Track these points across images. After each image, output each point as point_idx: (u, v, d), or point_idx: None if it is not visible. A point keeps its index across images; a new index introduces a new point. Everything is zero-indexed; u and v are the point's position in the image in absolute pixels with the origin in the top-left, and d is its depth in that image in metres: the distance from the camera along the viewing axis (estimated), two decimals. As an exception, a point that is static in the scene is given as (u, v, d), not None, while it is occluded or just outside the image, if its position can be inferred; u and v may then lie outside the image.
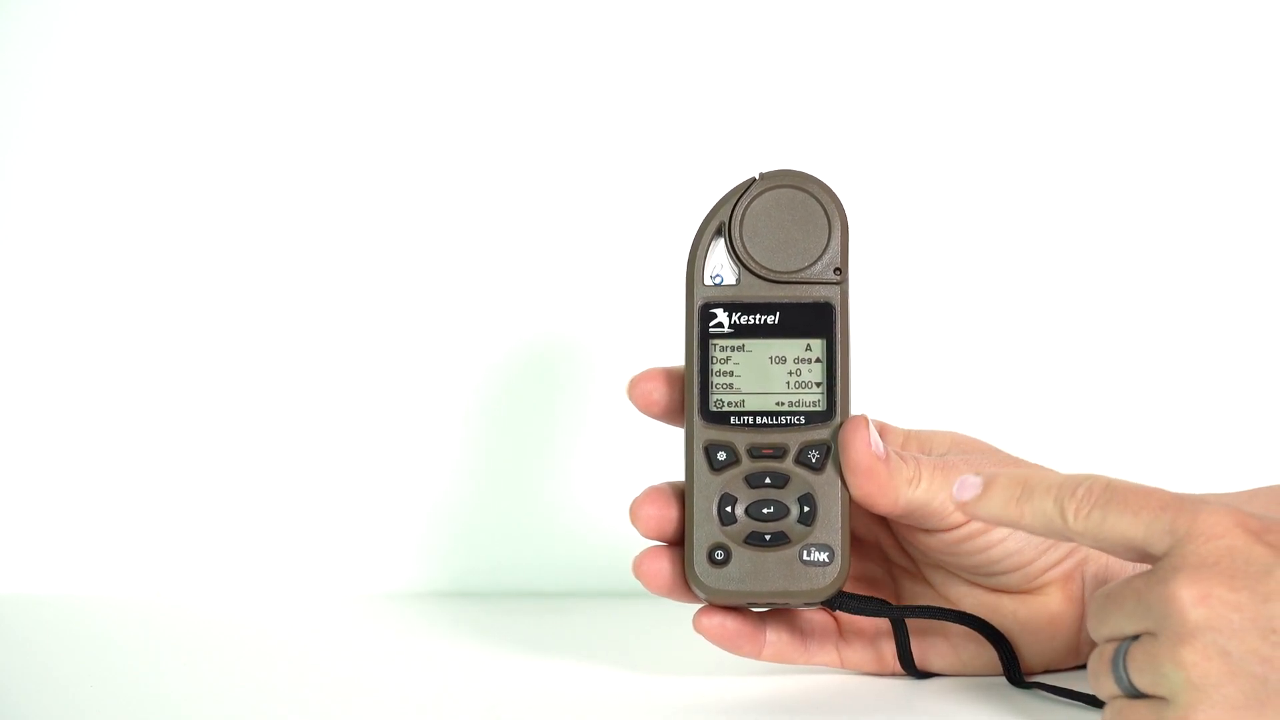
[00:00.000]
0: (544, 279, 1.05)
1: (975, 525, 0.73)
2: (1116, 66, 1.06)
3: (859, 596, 0.75)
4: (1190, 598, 0.63)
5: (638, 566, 0.75)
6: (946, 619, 0.76)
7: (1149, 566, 0.66)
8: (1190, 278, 1.06)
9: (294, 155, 1.05)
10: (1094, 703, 0.71)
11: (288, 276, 1.05)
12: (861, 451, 0.72)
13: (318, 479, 1.05)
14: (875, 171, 1.05)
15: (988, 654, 0.77)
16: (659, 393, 0.75)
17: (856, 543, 0.78)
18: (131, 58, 1.05)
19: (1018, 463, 0.76)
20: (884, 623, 0.77)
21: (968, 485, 0.70)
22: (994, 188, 1.06)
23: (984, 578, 0.76)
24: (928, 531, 0.74)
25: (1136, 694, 0.65)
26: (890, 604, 0.75)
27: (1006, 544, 0.74)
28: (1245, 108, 1.06)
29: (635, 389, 0.75)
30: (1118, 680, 0.65)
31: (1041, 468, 0.75)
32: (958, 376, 1.05)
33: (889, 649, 0.77)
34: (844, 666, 0.77)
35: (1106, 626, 0.67)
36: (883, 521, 0.78)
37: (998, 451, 0.77)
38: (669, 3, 1.06)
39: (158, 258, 1.05)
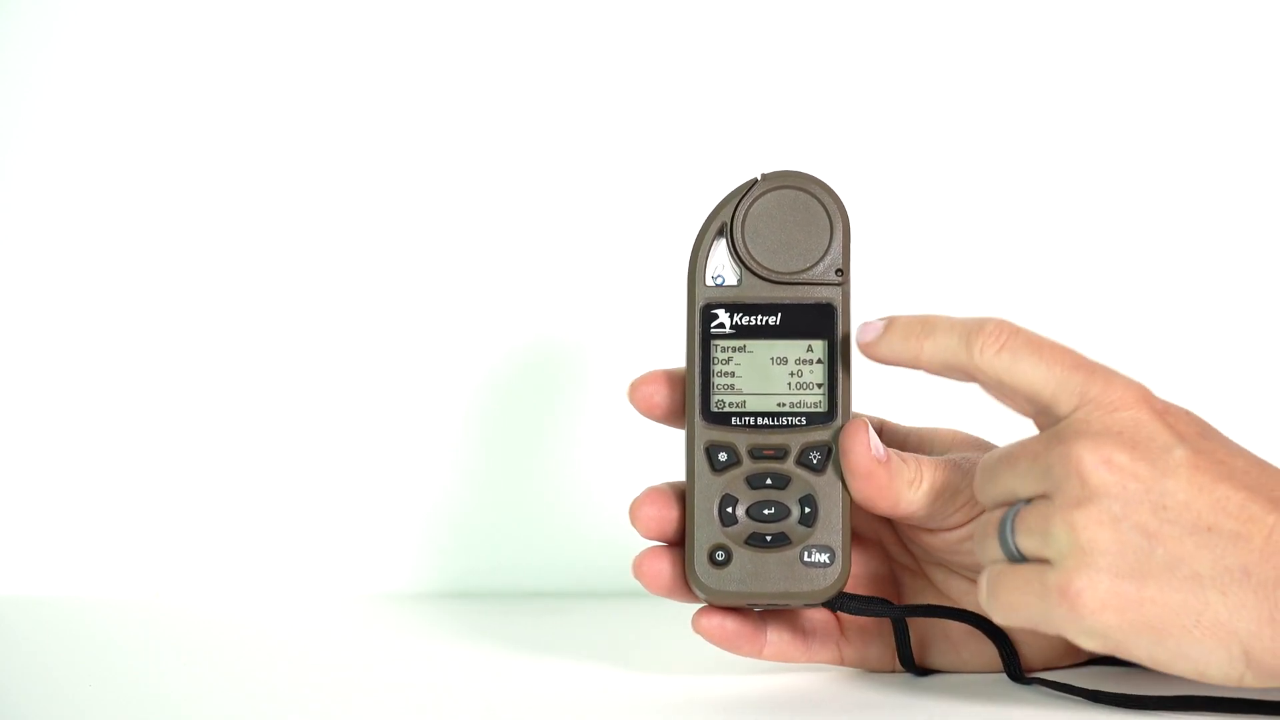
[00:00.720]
0: (545, 280, 1.05)
1: (978, 526, 0.73)
2: (1120, 67, 1.06)
3: (860, 597, 0.75)
4: (1093, 461, 0.64)
5: (638, 567, 0.75)
6: (948, 617, 0.75)
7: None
8: (1197, 281, 1.06)
9: (294, 157, 1.05)
10: (1094, 697, 0.71)
11: (288, 277, 1.05)
12: (861, 455, 0.72)
13: (318, 479, 1.05)
14: (877, 172, 1.05)
15: (989, 651, 0.76)
16: (660, 395, 0.75)
17: (858, 540, 0.78)
18: (131, 58, 1.05)
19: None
20: (886, 621, 0.77)
21: (869, 328, 0.71)
22: (996, 189, 1.06)
23: (987, 576, 0.76)
24: (930, 530, 0.74)
25: (1020, 559, 0.66)
26: (891, 603, 0.75)
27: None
28: (1246, 110, 1.06)
29: (636, 392, 0.75)
30: (1003, 544, 0.66)
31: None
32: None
33: (891, 647, 0.77)
34: (846, 665, 0.77)
35: (997, 487, 0.67)
36: (885, 519, 0.77)
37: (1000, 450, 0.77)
38: (670, 4, 1.06)
39: (158, 259, 1.05)
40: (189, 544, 1.05)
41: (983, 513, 0.72)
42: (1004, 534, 0.66)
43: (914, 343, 0.69)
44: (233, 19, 1.05)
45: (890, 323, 0.70)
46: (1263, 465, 0.65)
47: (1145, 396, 0.66)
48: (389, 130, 1.05)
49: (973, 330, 0.68)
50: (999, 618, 0.67)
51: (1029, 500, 0.66)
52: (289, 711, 0.73)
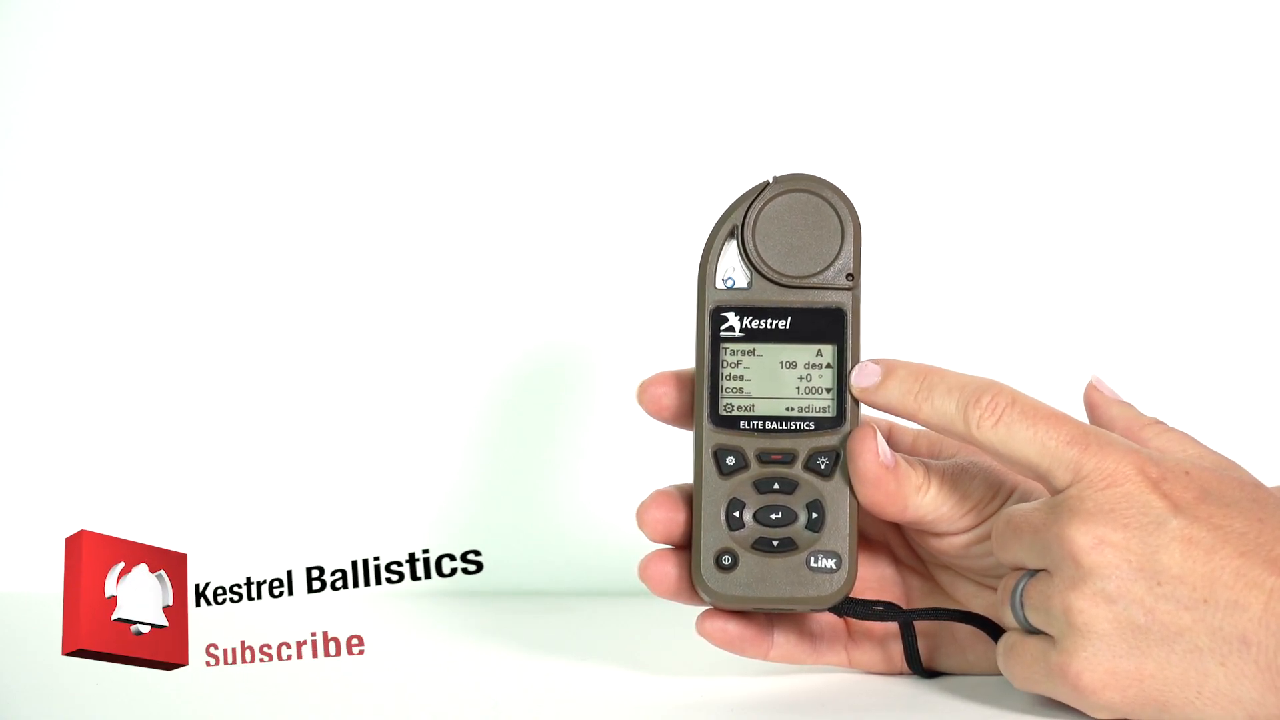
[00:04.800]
0: (555, 281, 1.05)
1: (983, 530, 0.73)
2: (1132, 75, 1.06)
3: (865, 602, 0.74)
4: (1085, 543, 0.65)
5: (643, 570, 0.75)
6: (953, 620, 0.76)
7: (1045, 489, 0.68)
8: (1208, 287, 1.06)
9: (301, 159, 1.05)
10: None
11: (294, 277, 1.05)
12: (869, 461, 0.72)
13: (322, 480, 1.05)
14: (889, 177, 1.05)
15: (995, 653, 0.76)
16: (669, 397, 0.75)
17: (865, 543, 0.78)
18: (130, 56, 1.05)
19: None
20: (893, 624, 0.77)
21: (867, 371, 0.72)
22: (1007, 194, 1.06)
23: (992, 579, 0.76)
24: (937, 535, 0.74)
25: (1031, 629, 0.68)
26: (897, 608, 0.75)
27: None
28: (1249, 115, 1.06)
29: (645, 393, 0.75)
30: (1014, 614, 0.68)
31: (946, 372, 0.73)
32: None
33: (898, 649, 0.77)
34: (853, 667, 0.78)
35: (1008, 554, 0.69)
36: (892, 523, 0.77)
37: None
38: (680, 7, 1.05)
39: (163, 262, 1.05)
40: (195, 541, 1.05)
41: (993, 516, 0.73)
42: (1014, 605, 0.68)
43: (911, 401, 0.71)
44: (235, 23, 1.05)
45: (889, 371, 0.71)
46: (1263, 521, 0.65)
47: (1141, 466, 0.66)
48: (399, 137, 1.05)
49: (970, 400, 0.69)
50: (1015, 685, 0.69)
51: (1035, 572, 0.68)
52: (289, 711, 0.73)
